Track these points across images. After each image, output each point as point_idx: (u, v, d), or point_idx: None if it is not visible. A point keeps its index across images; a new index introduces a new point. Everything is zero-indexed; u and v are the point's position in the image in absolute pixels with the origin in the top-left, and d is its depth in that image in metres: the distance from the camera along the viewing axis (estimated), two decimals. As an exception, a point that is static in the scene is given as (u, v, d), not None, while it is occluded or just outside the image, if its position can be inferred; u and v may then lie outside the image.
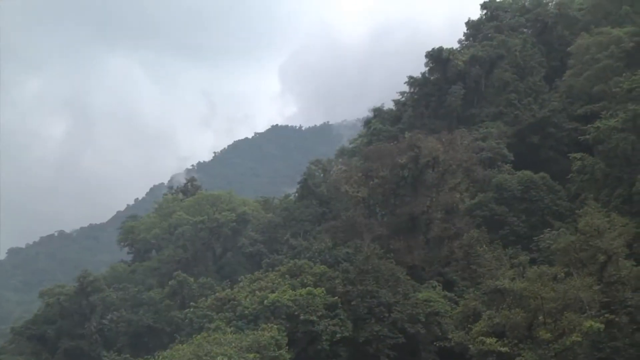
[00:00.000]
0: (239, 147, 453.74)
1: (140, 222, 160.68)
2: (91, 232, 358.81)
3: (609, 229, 62.92)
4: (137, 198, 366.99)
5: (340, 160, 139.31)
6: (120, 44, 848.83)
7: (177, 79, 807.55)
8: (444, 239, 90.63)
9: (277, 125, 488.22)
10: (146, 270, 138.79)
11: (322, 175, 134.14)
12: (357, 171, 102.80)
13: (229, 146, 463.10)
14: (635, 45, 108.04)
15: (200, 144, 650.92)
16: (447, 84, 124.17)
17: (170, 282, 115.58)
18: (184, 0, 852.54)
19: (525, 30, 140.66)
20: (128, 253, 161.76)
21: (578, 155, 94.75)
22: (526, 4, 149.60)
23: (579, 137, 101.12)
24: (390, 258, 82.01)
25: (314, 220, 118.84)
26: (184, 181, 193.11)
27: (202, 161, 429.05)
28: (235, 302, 77.47)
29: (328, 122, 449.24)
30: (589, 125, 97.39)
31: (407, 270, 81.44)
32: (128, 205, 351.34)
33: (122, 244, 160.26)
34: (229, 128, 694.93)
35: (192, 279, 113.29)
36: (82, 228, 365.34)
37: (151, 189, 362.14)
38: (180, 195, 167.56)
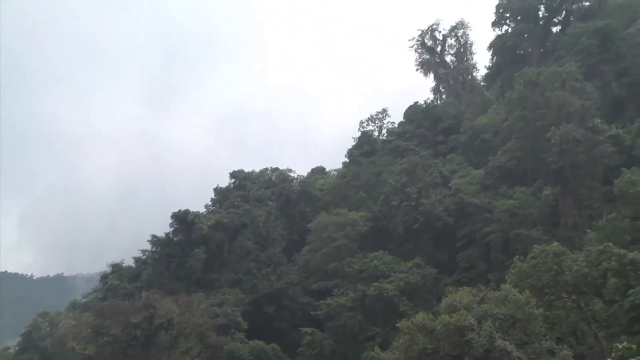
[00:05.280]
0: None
1: None
2: None
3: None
4: None
5: (70, 314, 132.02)
6: None
7: None
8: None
9: (5, 272, 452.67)
10: None
11: (49, 328, 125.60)
12: (87, 327, 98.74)
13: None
14: (368, 229, 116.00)
15: None
16: (190, 246, 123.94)
17: None
18: None
19: (270, 202, 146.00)
20: None
21: (309, 329, 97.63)
22: (273, 177, 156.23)
23: (311, 312, 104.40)
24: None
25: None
26: None
27: None
28: None
29: (62, 273, 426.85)
30: (321, 301, 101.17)
31: None
32: None
33: None
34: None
35: None
36: None
37: None
38: None
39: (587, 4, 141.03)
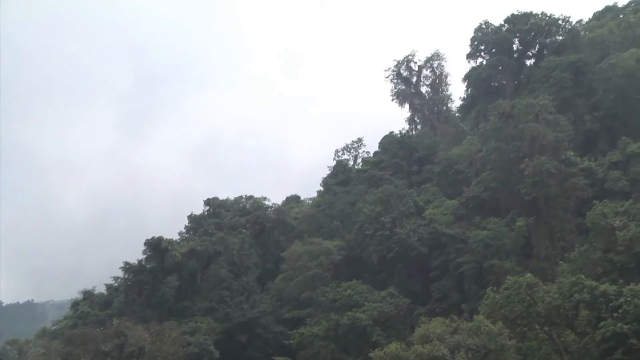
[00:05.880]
0: None
1: None
2: None
3: None
4: None
5: (40, 342, 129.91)
6: None
7: None
8: None
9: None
10: None
11: (17, 356, 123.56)
12: (57, 355, 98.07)
13: None
14: (342, 258, 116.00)
15: None
16: (163, 274, 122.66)
17: None
18: None
19: (244, 230, 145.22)
20: None
21: (282, 359, 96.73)
22: (247, 206, 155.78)
23: (284, 341, 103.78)
24: None
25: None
26: None
27: None
28: None
29: (32, 300, 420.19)
30: (294, 330, 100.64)
31: None
32: None
33: None
34: None
35: None
36: None
37: None
38: None
39: (560, 38, 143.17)
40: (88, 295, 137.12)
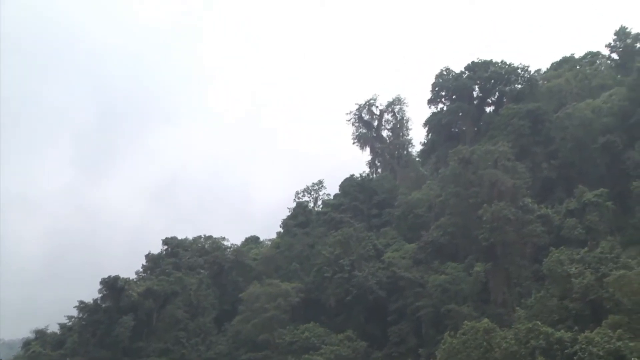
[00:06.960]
0: None
1: None
2: None
3: None
4: None
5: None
6: None
7: None
8: None
9: None
10: None
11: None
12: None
13: None
14: (300, 300, 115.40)
15: None
16: (118, 314, 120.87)
17: None
18: None
19: (202, 270, 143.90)
20: None
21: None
22: (206, 246, 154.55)
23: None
24: None
25: None
26: None
27: None
28: None
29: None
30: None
31: None
32: None
33: None
34: None
35: None
36: None
37: None
38: None
39: (519, 86, 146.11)
40: (40, 334, 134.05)
